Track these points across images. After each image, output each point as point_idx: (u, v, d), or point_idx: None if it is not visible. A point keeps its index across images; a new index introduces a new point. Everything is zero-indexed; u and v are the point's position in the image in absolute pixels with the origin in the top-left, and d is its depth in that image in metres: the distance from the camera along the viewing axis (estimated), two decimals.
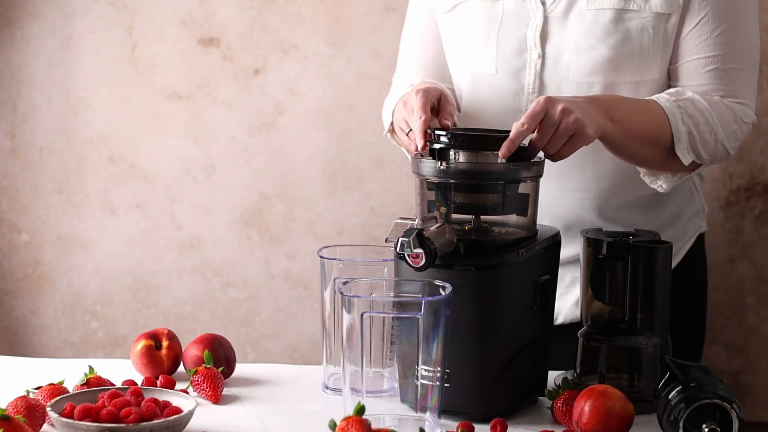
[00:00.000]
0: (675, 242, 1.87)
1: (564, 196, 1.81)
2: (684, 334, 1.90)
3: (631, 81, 1.75)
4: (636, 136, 1.67)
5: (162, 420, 1.35)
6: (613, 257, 1.57)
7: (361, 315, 1.34)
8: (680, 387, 1.40)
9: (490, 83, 1.80)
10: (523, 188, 1.50)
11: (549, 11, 1.77)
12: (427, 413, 1.37)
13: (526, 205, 1.51)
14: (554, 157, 1.55)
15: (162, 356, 1.62)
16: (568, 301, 1.85)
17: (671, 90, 1.75)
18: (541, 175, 1.52)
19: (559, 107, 1.53)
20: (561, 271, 1.82)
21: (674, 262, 1.87)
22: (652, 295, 1.57)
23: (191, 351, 1.62)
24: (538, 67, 1.77)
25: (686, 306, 1.91)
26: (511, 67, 1.79)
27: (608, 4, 1.73)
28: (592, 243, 1.59)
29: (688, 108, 1.72)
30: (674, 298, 1.85)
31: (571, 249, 1.80)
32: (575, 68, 1.75)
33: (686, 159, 1.71)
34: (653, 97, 1.73)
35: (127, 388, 1.43)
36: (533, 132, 1.52)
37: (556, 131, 1.53)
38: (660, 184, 1.76)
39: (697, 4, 1.74)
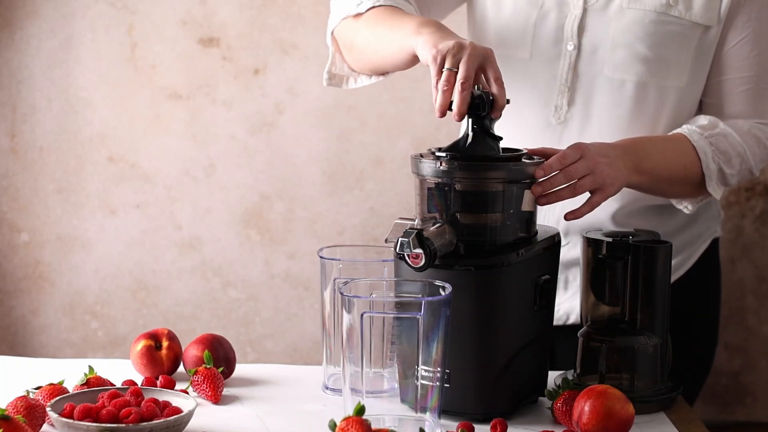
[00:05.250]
0: (689, 246, 1.87)
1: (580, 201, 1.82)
2: (695, 337, 1.90)
3: (661, 85, 1.76)
4: (665, 180, 1.73)
5: (162, 420, 1.35)
6: (613, 257, 1.57)
7: (361, 315, 1.34)
8: None
9: (524, 68, 1.80)
10: (526, 203, 1.50)
11: (589, 3, 1.77)
12: (427, 413, 1.37)
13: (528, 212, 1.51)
14: (541, 201, 1.53)
15: (162, 356, 1.62)
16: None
17: (704, 122, 1.78)
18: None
19: (590, 171, 1.55)
20: (574, 270, 1.83)
21: (687, 266, 1.88)
22: (652, 295, 1.57)
23: (191, 351, 1.62)
24: (572, 59, 1.77)
25: (699, 309, 1.91)
26: (546, 56, 1.79)
27: (650, 6, 1.74)
28: (592, 243, 1.59)
29: (720, 144, 1.76)
30: (687, 302, 1.86)
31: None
32: (610, 63, 1.76)
33: (717, 193, 1.77)
34: (686, 132, 1.76)
35: (127, 388, 1.43)
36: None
37: (571, 185, 1.55)
38: (685, 205, 1.81)
39: (741, 24, 1.77)
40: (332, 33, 1.86)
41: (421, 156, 1.50)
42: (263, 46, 2.67)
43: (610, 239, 1.58)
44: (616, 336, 1.57)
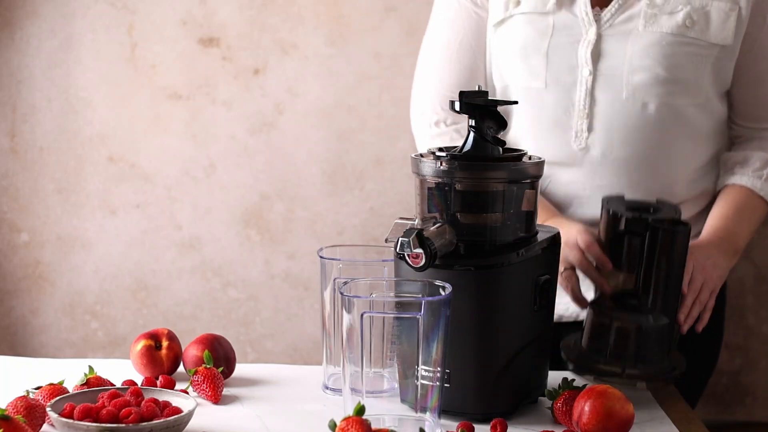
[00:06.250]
0: None
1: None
2: (700, 337, 1.90)
3: (681, 103, 1.78)
4: (754, 232, 1.85)
5: (162, 420, 1.35)
6: (631, 232, 1.57)
7: (361, 315, 1.34)
8: None
9: (539, 98, 1.81)
10: (526, 203, 1.50)
11: (603, 29, 1.77)
12: (427, 413, 1.37)
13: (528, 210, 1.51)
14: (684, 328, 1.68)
15: (162, 356, 1.62)
16: (588, 298, 1.86)
17: (756, 164, 1.84)
18: (540, 175, 1.52)
19: (704, 282, 1.68)
20: None
21: None
22: (666, 275, 1.57)
23: (191, 351, 1.62)
24: (589, 84, 1.77)
25: None
26: (562, 83, 1.79)
27: (668, 29, 1.74)
28: (612, 216, 1.59)
29: None
30: None
31: None
32: (629, 87, 1.76)
33: None
34: (749, 184, 1.83)
35: (127, 388, 1.43)
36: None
37: (697, 303, 1.69)
38: None
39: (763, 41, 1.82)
40: None
41: (422, 156, 1.50)
42: (263, 46, 2.67)
43: (629, 214, 1.58)
44: (626, 312, 1.57)
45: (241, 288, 2.75)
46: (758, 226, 1.85)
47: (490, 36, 1.87)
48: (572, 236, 1.67)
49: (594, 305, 1.61)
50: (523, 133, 1.86)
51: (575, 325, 1.87)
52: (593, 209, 1.79)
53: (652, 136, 1.78)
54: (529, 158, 1.52)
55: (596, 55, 1.77)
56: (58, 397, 1.40)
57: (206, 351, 1.57)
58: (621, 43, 1.76)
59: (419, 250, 1.41)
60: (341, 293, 1.36)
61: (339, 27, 2.66)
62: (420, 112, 1.96)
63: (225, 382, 1.58)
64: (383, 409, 1.44)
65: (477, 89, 1.52)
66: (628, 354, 1.56)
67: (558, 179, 1.84)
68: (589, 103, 1.78)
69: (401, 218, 1.52)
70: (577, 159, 1.81)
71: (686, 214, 1.85)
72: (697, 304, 1.67)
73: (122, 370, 1.64)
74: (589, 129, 1.79)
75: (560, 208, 1.85)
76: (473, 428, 1.41)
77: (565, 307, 1.85)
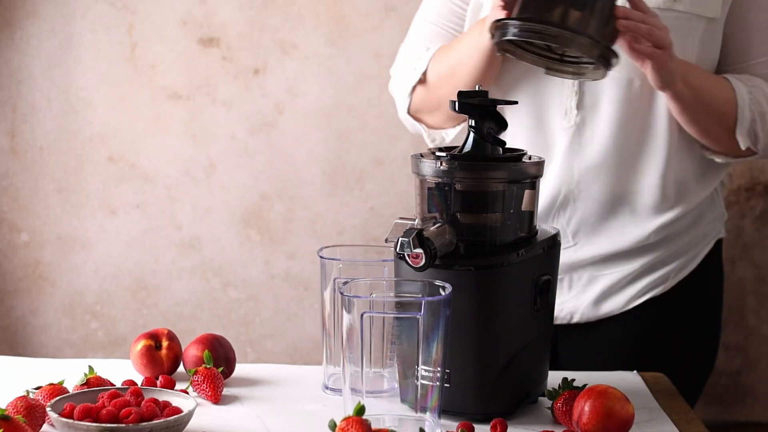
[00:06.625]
0: (693, 247, 1.88)
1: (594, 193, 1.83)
2: (698, 338, 1.90)
3: None
4: (704, 105, 1.75)
5: (162, 420, 1.35)
6: None
7: (361, 315, 1.34)
8: None
9: (533, 77, 1.80)
10: (526, 203, 1.50)
11: None
12: (427, 413, 1.37)
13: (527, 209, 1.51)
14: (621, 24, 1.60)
15: (162, 356, 1.62)
16: (585, 300, 1.86)
17: (743, 75, 1.80)
18: (540, 175, 1.52)
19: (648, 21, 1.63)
20: (580, 271, 1.83)
21: (692, 267, 1.88)
22: None
23: (191, 351, 1.62)
24: None
25: (701, 310, 1.91)
26: None
27: (655, 3, 1.74)
28: None
29: (758, 95, 1.78)
30: (690, 303, 1.86)
31: (589, 249, 1.82)
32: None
33: (744, 143, 1.78)
34: (728, 77, 1.79)
35: (127, 388, 1.43)
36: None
37: (647, 31, 1.62)
38: (715, 157, 1.84)
39: (755, 8, 1.80)
40: (408, 113, 1.95)
41: (422, 156, 1.50)
42: (263, 46, 2.67)
43: None
44: None
45: (241, 288, 2.75)
46: (718, 103, 1.77)
47: (480, 11, 1.87)
48: None
49: None
50: (512, 107, 1.85)
51: (569, 327, 1.87)
52: (582, 187, 1.81)
53: (638, 112, 1.78)
54: (529, 158, 1.52)
55: None
56: (58, 397, 1.40)
57: (206, 351, 1.57)
58: None
59: (419, 250, 1.41)
60: (341, 293, 1.36)
61: (339, 27, 2.66)
62: (399, 58, 1.98)
63: (225, 382, 1.58)
64: (383, 409, 1.44)
65: (477, 89, 1.52)
66: (569, 9, 1.53)
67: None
68: (578, 81, 1.78)
69: (401, 218, 1.51)
70: (567, 136, 1.80)
71: (688, 204, 1.84)
72: (640, 19, 1.62)
73: (122, 370, 1.64)
74: (579, 107, 1.79)
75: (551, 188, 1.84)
76: (473, 428, 1.41)
77: (559, 308, 1.84)
